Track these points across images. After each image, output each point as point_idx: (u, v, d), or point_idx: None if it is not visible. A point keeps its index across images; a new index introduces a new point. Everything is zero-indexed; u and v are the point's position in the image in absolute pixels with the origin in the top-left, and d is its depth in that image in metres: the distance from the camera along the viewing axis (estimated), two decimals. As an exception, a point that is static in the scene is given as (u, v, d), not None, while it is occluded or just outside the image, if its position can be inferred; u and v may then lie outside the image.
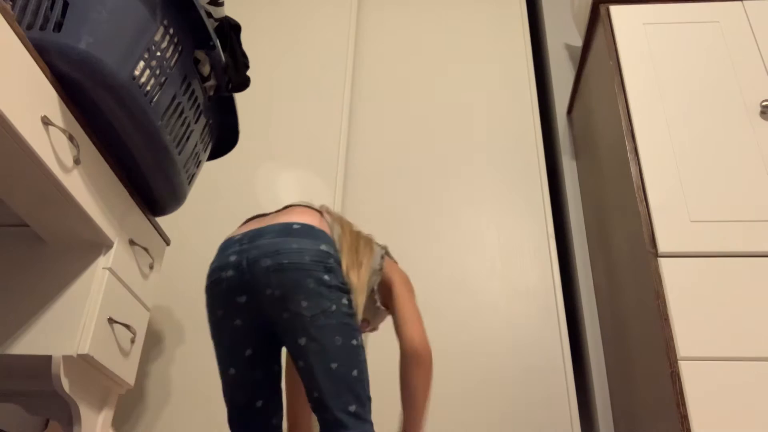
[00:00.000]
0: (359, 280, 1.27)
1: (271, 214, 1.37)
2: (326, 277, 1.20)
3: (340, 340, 1.18)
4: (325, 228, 1.30)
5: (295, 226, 1.25)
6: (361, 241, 1.35)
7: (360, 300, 1.26)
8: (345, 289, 1.23)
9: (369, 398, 1.19)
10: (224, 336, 1.26)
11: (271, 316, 1.21)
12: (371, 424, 1.18)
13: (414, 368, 1.27)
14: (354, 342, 1.20)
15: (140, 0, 1.25)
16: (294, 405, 1.42)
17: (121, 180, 1.39)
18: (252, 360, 1.25)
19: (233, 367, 1.25)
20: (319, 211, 1.36)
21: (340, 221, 1.37)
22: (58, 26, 1.16)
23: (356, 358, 1.19)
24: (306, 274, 1.19)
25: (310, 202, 1.43)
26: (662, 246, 1.50)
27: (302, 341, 1.17)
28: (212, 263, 1.29)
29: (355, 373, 1.18)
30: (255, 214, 1.42)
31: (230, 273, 1.23)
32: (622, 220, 1.70)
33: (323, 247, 1.23)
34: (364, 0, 2.72)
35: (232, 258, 1.24)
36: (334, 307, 1.19)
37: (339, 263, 1.25)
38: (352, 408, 1.16)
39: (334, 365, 1.16)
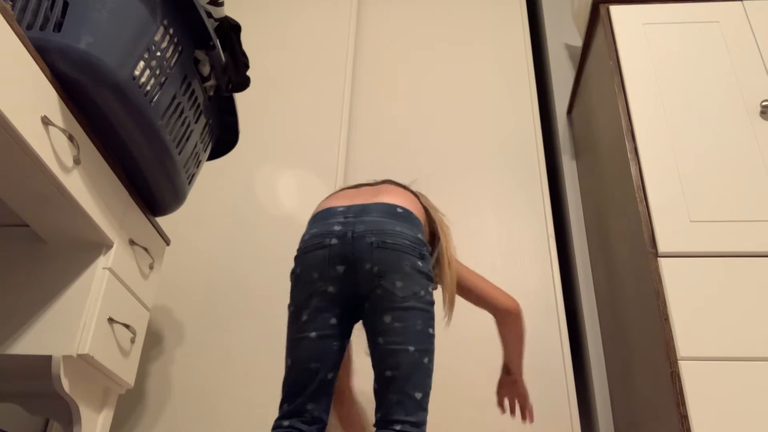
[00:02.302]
0: (453, 281, 1.41)
1: (367, 188, 1.46)
2: (420, 263, 1.27)
3: (420, 325, 1.24)
4: (421, 216, 1.39)
5: (398, 210, 1.33)
6: (449, 232, 1.47)
7: (451, 295, 1.40)
8: (432, 278, 1.31)
9: (430, 389, 1.24)
10: (314, 299, 1.29)
11: (364, 290, 1.26)
12: (427, 414, 1.22)
13: (514, 324, 1.48)
14: (431, 330, 1.26)
15: (140, 0, 1.25)
16: (340, 376, 1.50)
17: (121, 180, 1.39)
18: (334, 328, 1.28)
19: (316, 331, 1.27)
20: (416, 196, 1.45)
21: (434, 209, 1.48)
22: (58, 26, 1.16)
23: (430, 346, 1.25)
24: (404, 256, 1.26)
25: (407, 183, 1.54)
26: (662, 246, 1.50)
27: (388, 319, 1.22)
28: (311, 228, 1.35)
29: (426, 360, 1.23)
30: (350, 185, 1.52)
31: (334, 241, 1.28)
32: (622, 220, 1.70)
33: (419, 235, 1.31)
34: (364, 0, 2.72)
35: (337, 228, 1.30)
36: (422, 292, 1.26)
37: (429, 253, 1.33)
38: (418, 395, 1.20)
39: (411, 348, 1.21)
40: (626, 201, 1.67)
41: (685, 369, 1.35)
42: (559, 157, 2.35)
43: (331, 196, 1.48)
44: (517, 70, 2.47)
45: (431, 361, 1.24)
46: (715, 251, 1.49)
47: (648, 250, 1.50)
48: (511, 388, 1.58)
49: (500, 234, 2.10)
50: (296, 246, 2.07)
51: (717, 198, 1.55)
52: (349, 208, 1.35)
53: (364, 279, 1.26)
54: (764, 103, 1.66)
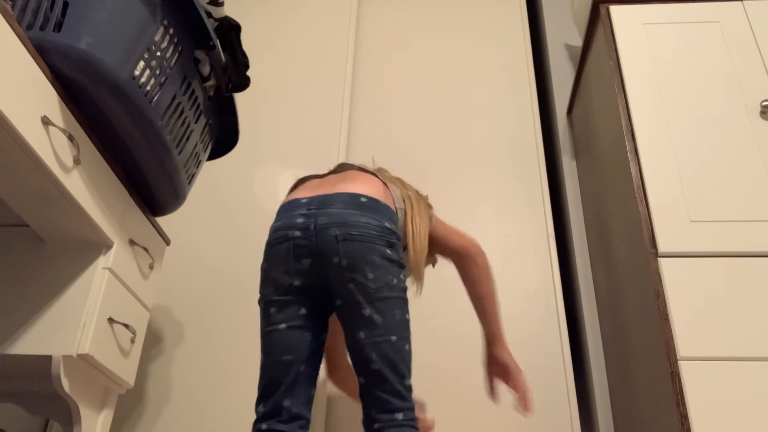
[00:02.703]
0: (422, 249, 1.36)
1: (331, 177, 1.43)
2: (389, 251, 1.25)
3: (399, 314, 1.23)
4: (389, 200, 1.36)
5: (362, 199, 1.30)
6: (423, 207, 1.44)
7: (422, 264, 1.36)
8: (402, 265, 1.29)
9: (410, 373, 1.24)
10: (280, 292, 1.28)
11: (334, 284, 1.25)
12: (413, 404, 1.22)
13: (473, 267, 1.40)
14: (407, 316, 1.26)
15: (140, 0, 1.25)
16: (333, 350, 1.50)
17: (121, 180, 1.39)
18: (304, 319, 1.27)
19: (285, 322, 1.26)
20: (378, 178, 1.42)
21: (400, 184, 1.46)
22: (58, 26, 1.16)
23: (408, 332, 1.25)
24: (372, 246, 1.24)
25: (364, 164, 1.51)
26: (662, 246, 1.50)
27: (366, 312, 1.21)
28: (276, 221, 1.34)
29: (407, 347, 1.23)
30: (307, 176, 1.49)
31: (297, 234, 1.27)
32: (622, 220, 1.70)
33: (387, 224, 1.29)
34: (364, 0, 2.72)
35: (299, 220, 1.28)
36: (395, 281, 1.25)
37: (398, 239, 1.31)
38: (407, 382, 1.21)
39: (394, 338, 1.21)
40: (626, 201, 1.67)
41: (685, 369, 1.35)
42: (559, 157, 2.35)
43: (296, 187, 1.47)
44: (517, 70, 2.47)
45: (410, 344, 1.25)
46: (715, 251, 1.49)
47: (648, 250, 1.50)
48: (500, 368, 1.44)
49: (500, 234, 2.10)
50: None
51: (717, 198, 1.55)
52: (311, 199, 1.33)
53: (333, 273, 1.24)
54: (764, 103, 1.66)
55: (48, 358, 1.23)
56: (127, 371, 1.43)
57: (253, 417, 1.80)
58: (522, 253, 2.06)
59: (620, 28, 1.86)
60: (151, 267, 1.55)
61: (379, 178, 1.42)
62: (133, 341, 1.45)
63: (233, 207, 2.18)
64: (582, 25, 2.21)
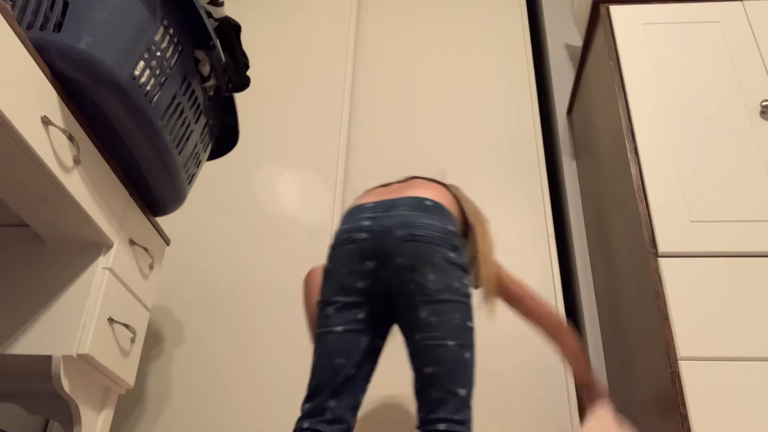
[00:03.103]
0: (488, 268, 1.35)
1: (397, 185, 1.44)
2: (452, 254, 1.24)
3: (458, 319, 1.20)
4: (453, 207, 1.36)
5: (427, 202, 1.30)
6: (486, 226, 1.43)
7: (488, 287, 1.34)
8: (466, 269, 1.27)
9: (474, 385, 1.19)
10: (342, 294, 1.27)
11: (396, 285, 1.24)
12: (471, 412, 1.18)
13: (570, 336, 1.37)
14: (470, 323, 1.22)
15: (140, 0, 1.25)
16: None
17: (121, 180, 1.39)
18: (362, 324, 1.26)
19: (343, 325, 1.25)
20: (446, 186, 1.42)
21: (466, 200, 1.44)
22: (58, 26, 1.16)
23: (470, 340, 1.21)
24: (435, 248, 1.22)
25: (435, 177, 1.51)
26: (662, 246, 1.50)
27: (423, 314, 1.19)
28: (342, 225, 1.34)
29: (467, 355, 1.19)
30: (376, 185, 1.51)
31: (363, 236, 1.27)
32: (622, 220, 1.70)
33: (450, 227, 1.28)
34: (364, 0, 2.72)
35: (366, 223, 1.29)
36: (457, 284, 1.22)
37: (463, 244, 1.30)
38: (462, 391, 1.16)
39: (451, 342, 1.18)
40: (626, 201, 1.67)
41: (685, 369, 1.35)
42: (559, 157, 2.35)
43: (362, 195, 1.48)
44: (517, 70, 2.47)
45: (473, 355, 1.20)
46: (715, 251, 1.49)
47: (648, 250, 1.50)
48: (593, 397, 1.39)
49: (500, 234, 2.10)
50: (296, 246, 2.09)
51: (717, 198, 1.55)
52: (377, 203, 1.34)
53: (396, 273, 1.23)
54: (764, 103, 1.66)
55: (48, 358, 1.23)
56: (127, 371, 1.43)
57: (254, 416, 1.80)
58: (522, 253, 2.06)
59: (620, 28, 1.86)
60: (151, 267, 1.55)
61: (443, 185, 1.42)
62: (133, 341, 1.45)
63: (233, 207, 2.18)
64: (582, 25, 2.21)
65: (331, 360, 1.23)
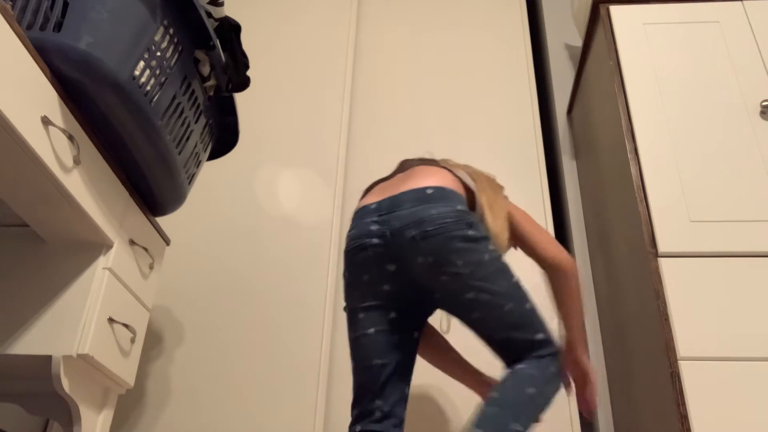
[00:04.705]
0: (501, 229, 1.33)
1: (396, 177, 1.41)
2: (470, 232, 1.23)
3: (504, 283, 1.21)
4: (457, 186, 1.34)
5: (429, 191, 1.28)
6: (495, 186, 1.42)
7: (503, 245, 1.32)
8: (488, 236, 1.26)
9: (546, 323, 1.23)
10: (368, 298, 1.27)
11: (425, 282, 1.24)
12: (557, 346, 1.21)
13: (565, 282, 1.32)
14: (513, 279, 1.24)
15: (140, 0, 1.25)
16: (449, 361, 1.45)
17: (121, 180, 1.38)
18: (394, 323, 1.27)
19: (374, 327, 1.26)
20: (444, 167, 1.39)
21: (458, 167, 1.43)
22: (58, 26, 1.16)
23: (522, 292, 1.23)
24: (452, 235, 1.21)
25: (424, 155, 1.50)
26: (662, 246, 1.50)
27: (470, 295, 1.20)
28: (351, 229, 1.33)
29: (527, 306, 1.22)
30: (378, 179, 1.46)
31: (375, 241, 1.26)
32: (622, 220, 1.70)
33: (459, 206, 1.26)
34: (364, 0, 2.72)
35: (374, 227, 1.27)
36: (486, 256, 1.22)
37: (478, 216, 1.29)
38: (540, 336, 1.20)
39: (508, 306, 1.19)
40: (626, 201, 1.66)
41: (685, 369, 1.35)
42: (559, 157, 2.35)
43: (367, 192, 1.46)
44: (517, 70, 2.47)
45: (531, 301, 1.22)
46: (715, 251, 1.49)
47: (648, 250, 1.50)
48: (573, 367, 1.36)
49: (500, 234, 2.10)
50: (296, 246, 2.09)
51: (717, 198, 1.55)
52: (380, 204, 1.31)
53: (422, 272, 1.23)
54: (764, 103, 1.66)
55: (48, 358, 1.23)
56: (127, 371, 1.43)
57: (254, 416, 1.80)
58: (522, 253, 2.06)
59: (620, 28, 1.86)
60: (151, 267, 1.55)
61: (443, 167, 1.40)
62: (133, 341, 1.45)
63: (233, 207, 2.18)
64: (582, 25, 2.21)
65: (369, 362, 1.24)
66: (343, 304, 2.03)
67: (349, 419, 1.81)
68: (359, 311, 1.28)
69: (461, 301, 1.21)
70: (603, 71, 1.90)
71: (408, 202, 1.27)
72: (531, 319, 1.21)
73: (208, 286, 2.03)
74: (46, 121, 1.11)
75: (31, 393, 1.34)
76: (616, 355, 1.77)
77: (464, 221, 1.24)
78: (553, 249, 1.37)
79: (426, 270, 1.22)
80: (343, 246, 1.48)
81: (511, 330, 1.19)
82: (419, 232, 1.22)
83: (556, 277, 1.34)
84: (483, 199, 1.36)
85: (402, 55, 2.55)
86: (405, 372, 1.27)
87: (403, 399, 1.25)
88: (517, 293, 1.22)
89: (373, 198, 1.37)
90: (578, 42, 2.52)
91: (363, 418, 1.23)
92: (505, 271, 1.24)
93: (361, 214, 1.33)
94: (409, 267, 1.24)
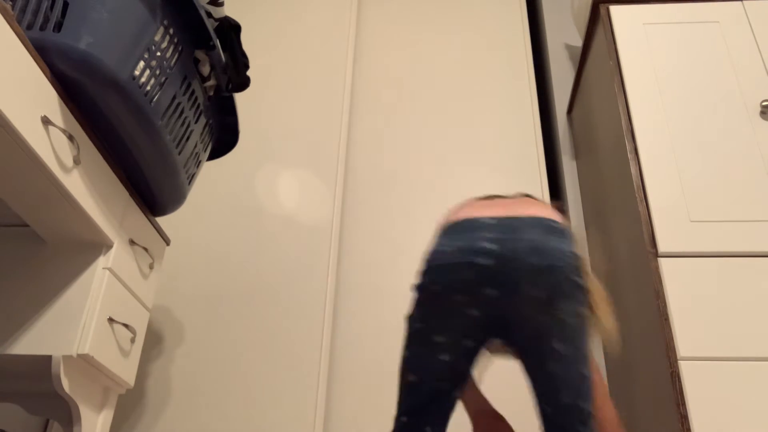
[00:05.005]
0: (611, 326, 1.24)
1: (506, 200, 1.28)
2: (579, 279, 1.14)
3: (585, 346, 1.14)
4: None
5: (554, 224, 1.18)
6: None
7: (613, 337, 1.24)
8: (587, 293, 1.18)
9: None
10: (452, 321, 1.15)
11: (524, 316, 1.13)
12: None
13: None
14: (589, 347, 1.16)
15: (140, 0, 1.25)
16: (484, 414, 1.35)
17: (121, 180, 1.39)
18: (469, 353, 1.17)
19: (450, 354, 1.15)
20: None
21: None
22: (58, 26, 1.16)
23: (590, 363, 1.16)
24: (569, 277, 1.13)
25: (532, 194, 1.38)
26: (662, 246, 1.50)
27: (558, 345, 1.11)
28: (451, 239, 1.18)
29: (590, 378, 1.14)
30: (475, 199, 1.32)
31: (486, 261, 1.12)
32: (622, 220, 1.70)
33: (574, 249, 1.17)
34: (364, 0, 2.72)
35: (487, 245, 1.14)
36: (582, 309, 1.15)
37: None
38: (588, 407, 1.12)
39: (586, 371, 1.12)
40: (626, 201, 1.66)
41: (685, 369, 1.35)
42: (559, 157, 2.35)
43: (464, 206, 1.30)
44: (517, 70, 2.47)
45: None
46: (715, 251, 1.49)
47: (648, 250, 1.50)
48: None
49: (500, 234, 2.10)
50: (296, 246, 2.09)
51: (717, 198, 1.55)
52: (500, 221, 1.17)
53: (526, 304, 1.12)
54: (764, 103, 1.66)
55: (48, 358, 1.23)
56: (127, 371, 1.43)
57: (254, 416, 1.80)
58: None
59: (620, 28, 1.86)
60: (151, 267, 1.55)
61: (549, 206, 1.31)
62: (133, 341, 1.45)
63: (233, 207, 2.18)
64: (582, 25, 2.21)
65: (437, 385, 1.15)
66: (348, 301, 1.98)
67: (349, 419, 1.82)
68: (437, 333, 1.16)
69: (545, 347, 1.12)
70: (603, 71, 1.90)
71: (532, 228, 1.16)
72: (590, 394, 1.13)
73: (208, 286, 2.03)
74: (46, 121, 1.11)
75: (31, 393, 1.34)
76: (616, 356, 1.77)
77: (578, 267, 1.15)
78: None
79: (532, 304, 1.12)
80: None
81: (577, 398, 1.11)
82: (542, 262, 1.12)
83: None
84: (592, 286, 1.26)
85: (402, 54, 2.55)
86: (451, 411, 1.18)
87: (446, 428, 1.18)
88: (589, 361, 1.15)
89: (486, 212, 1.22)
90: (578, 42, 2.52)
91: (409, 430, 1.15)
92: (587, 335, 1.15)
93: (470, 225, 1.18)
94: (514, 295, 1.13)
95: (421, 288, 1.19)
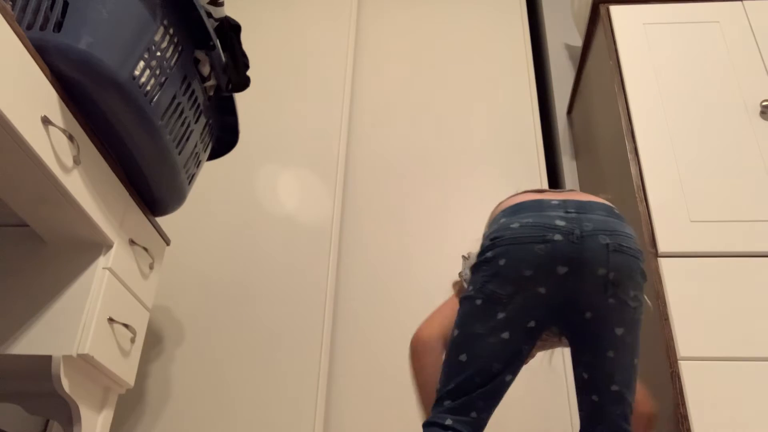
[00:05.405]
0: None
1: (553, 191, 1.28)
2: (643, 265, 1.15)
3: (638, 336, 1.15)
4: None
5: (614, 209, 1.18)
6: None
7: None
8: (646, 280, 1.19)
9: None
10: (518, 298, 1.12)
11: (591, 297, 1.11)
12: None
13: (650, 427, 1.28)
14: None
15: (140, 0, 1.25)
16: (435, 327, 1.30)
17: (121, 180, 1.39)
18: (530, 333, 1.13)
19: (511, 332, 1.12)
20: None
21: None
22: (58, 26, 1.16)
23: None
24: (637, 263, 1.13)
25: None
26: (662, 246, 1.50)
27: (620, 331, 1.11)
28: (520, 216, 1.16)
29: (636, 372, 1.16)
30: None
31: (559, 238, 1.11)
32: (622, 220, 1.70)
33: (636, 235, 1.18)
34: (364, 0, 2.72)
35: (560, 222, 1.13)
36: (643, 297, 1.16)
37: None
38: (632, 398, 1.14)
39: (636, 361, 1.14)
40: (626, 201, 1.67)
41: (685, 369, 1.35)
42: (559, 157, 2.35)
43: (517, 195, 1.29)
44: (517, 70, 2.47)
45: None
46: (715, 251, 1.49)
47: (648, 250, 1.50)
48: None
49: (500, 234, 2.10)
50: (296, 246, 2.09)
51: (717, 198, 1.55)
52: (565, 201, 1.16)
53: (594, 285, 1.11)
54: (764, 103, 1.66)
55: (48, 358, 1.23)
56: (127, 371, 1.43)
57: (253, 416, 1.80)
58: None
59: (620, 28, 1.86)
60: (151, 267, 1.55)
61: None
62: (133, 341, 1.45)
63: (233, 207, 2.18)
64: (582, 25, 2.21)
65: (489, 365, 1.12)
66: (348, 301, 1.96)
67: (348, 419, 1.82)
68: (499, 309, 1.12)
69: (607, 333, 1.11)
70: (603, 71, 1.90)
71: (600, 210, 1.16)
72: (635, 385, 1.15)
73: (208, 286, 2.03)
74: (46, 121, 1.11)
75: (31, 393, 1.34)
76: (616, 355, 1.77)
77: (642, 254, 1.15)
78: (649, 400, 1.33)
79: (600, 284, 1.11)
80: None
81: (626, 387, 1.11)
82: (614, 243, 1.11)
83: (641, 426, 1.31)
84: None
85: (402, 54, 2.55)
86: (510, 382, 1.16)
87: (491, 414, 1.15)
88: (638, 353, 1.15)
89: (547, 195, 1.21)
90: (578, 42, 2.52)
91: (456, 413, 1.11)
92: (642, 324, 1.15)
93: (537, 205, 1.17)
94: (583, 275, 1.11)
95: (486, 264, 1.16)
